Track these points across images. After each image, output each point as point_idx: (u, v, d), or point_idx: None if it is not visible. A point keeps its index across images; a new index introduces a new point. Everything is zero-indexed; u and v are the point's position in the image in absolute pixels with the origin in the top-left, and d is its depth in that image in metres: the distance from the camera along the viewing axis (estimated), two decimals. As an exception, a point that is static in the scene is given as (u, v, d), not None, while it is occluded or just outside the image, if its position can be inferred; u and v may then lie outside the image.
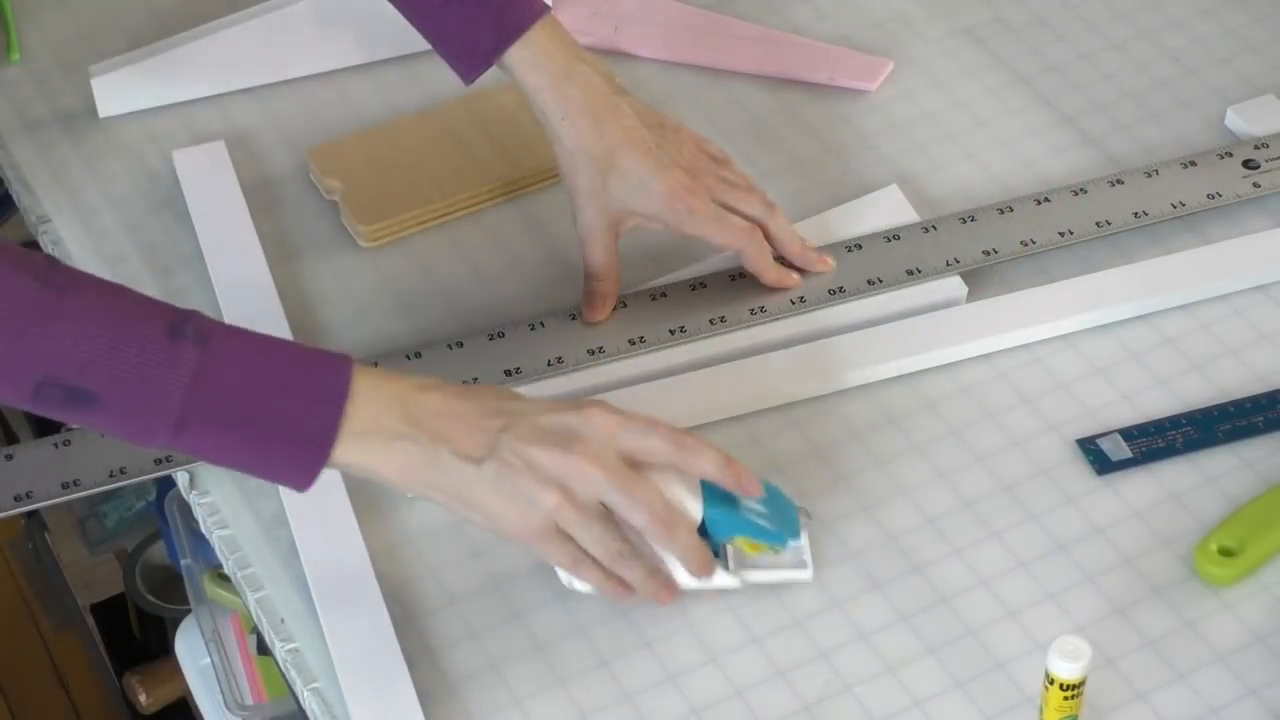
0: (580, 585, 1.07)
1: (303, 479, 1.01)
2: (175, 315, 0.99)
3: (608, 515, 1.04)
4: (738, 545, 1.08)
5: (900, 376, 1.22)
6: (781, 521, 1.08)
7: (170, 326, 0.99)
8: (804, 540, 1.10)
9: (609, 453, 1.04)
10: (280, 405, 1.00)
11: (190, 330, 0.99)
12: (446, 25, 1.23)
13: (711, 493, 1.06)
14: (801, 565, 1.09)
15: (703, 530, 1.06)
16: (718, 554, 1.07)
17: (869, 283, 1.25)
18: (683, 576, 1.06)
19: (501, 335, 1.23)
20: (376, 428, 1.02)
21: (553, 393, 1.20)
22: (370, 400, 1.02)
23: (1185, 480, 1.15)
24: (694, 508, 1.05)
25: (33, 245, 1.55)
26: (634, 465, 1.04)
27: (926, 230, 1.29)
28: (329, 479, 1.15)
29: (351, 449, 1.01)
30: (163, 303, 1.01)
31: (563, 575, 1.08)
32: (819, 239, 1.28)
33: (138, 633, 1.82)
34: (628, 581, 1.06)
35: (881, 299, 1.24)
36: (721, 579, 1.07)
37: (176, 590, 1.68)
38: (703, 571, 1.06)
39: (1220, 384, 1.21)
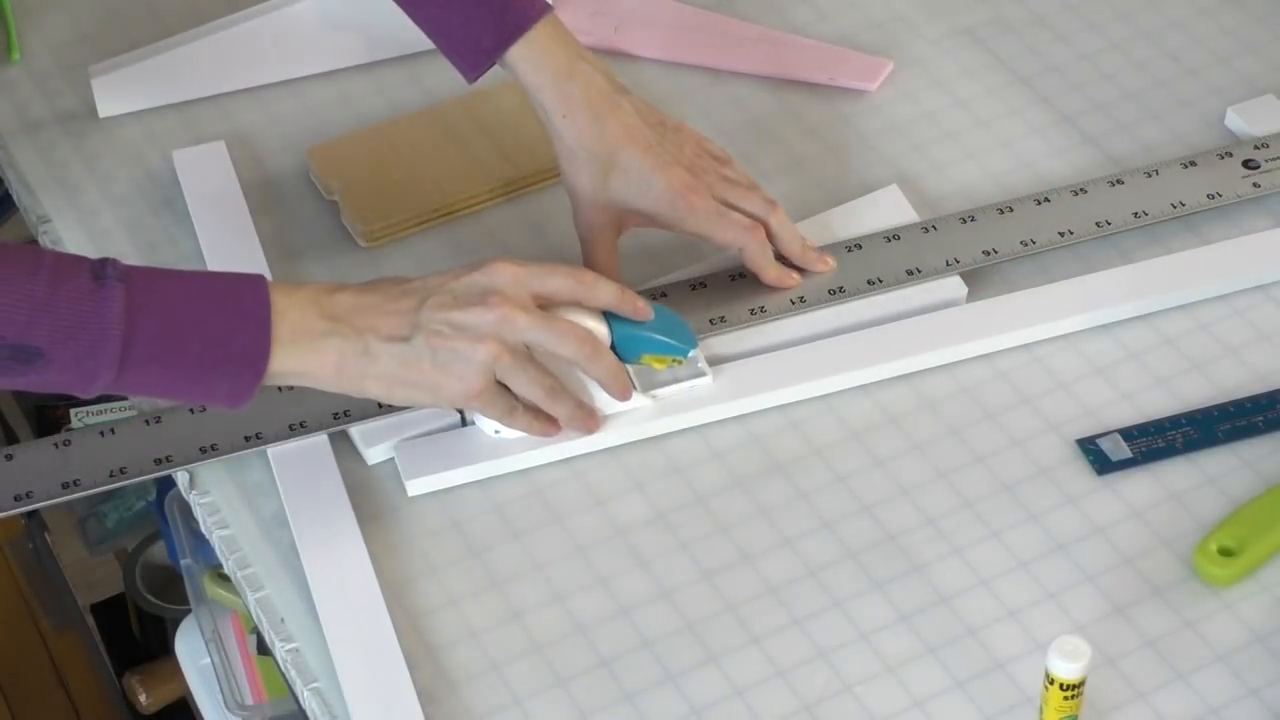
0: (507, 432, 1.15)
1: (242, 395, 1.06)
2: (93, 263, 1.03)
3: (534, 357, 1.12)
4: (645, 363, 1.16)
5: (900, 376, 1.22)
6: (679, 335, 1.17)
7: (93, 273, 1.02)
8: (698, 350, 1.18)
9: (524, 297, 1.11)
10: (211, 327, 1.05)
11: (111, 272, 1.03)
12: (449, 24, 1.23)
13: (613, 320, 1.15)
14: (700, 374, 1.19)
15: (614, 351, 1.15)
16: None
17: (869, 283, 1.25)
18: (602, 404, 1.16)
19: (501, 335, 1.23)
20: (303, 332, 1.07)
21: (553, 392, 1.20)
22: (290, 308, 1.07)
23: (1185, 480, 1.15)
24: (603, 334, 1.14)
25: (33, 245, 1.55)
26: (543, 307, 1.12)
27: (926, 230, 1.29)
28: (328, 479, 1.16)
29: (285, 356, 1.07)
30: (76, 255, 1.04)
31: (487, 426, 1.15)
32: (819, 239, 1.28)
33: (138, 633, 1.82)
34: (558, 418, 1.14)
35: (881, 299, 1.24)
36: (636, 400, 1.17)
37: (176, 590, 1.68)
38: (624, 392, 1.15)
39: (1220, 384, 1.21)
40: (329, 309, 1.09)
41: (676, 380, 1.19)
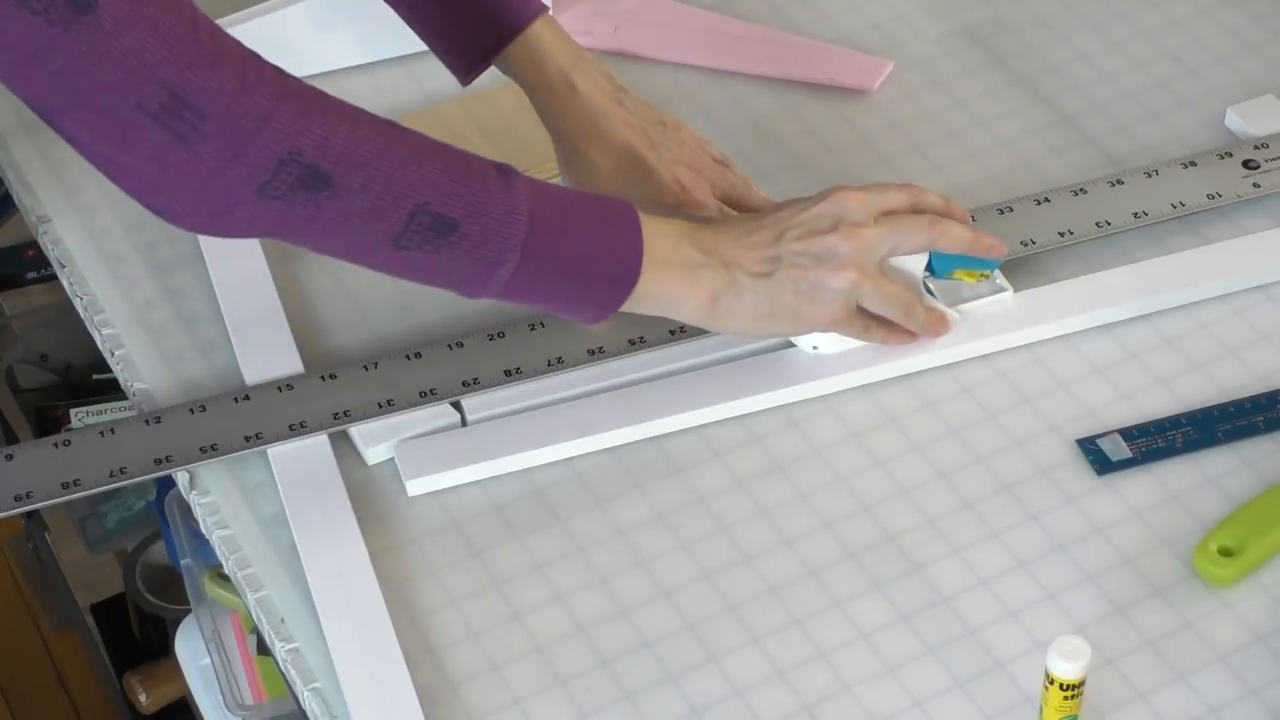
0: (825, 347, 1.20)
1: (611, 306, 1.10)
2: (492, 161, 1.07)
3: (887, 276, 1.16)
4: (957, 277, 1.21)
5: (900, 377, 1.22)
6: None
7: (496, 167, 1.07)
8: (999, 273, 1.23)
9: (869, 215, 1.15)
10: (593, 233, 1.09)
11: (509, 170, 1.07)
12: (445, 25, 1.23)
13: None
14: (1001, 289, 1.23)
15: (928, 269, 1.20)
16: (933, 294, 1.22)
17: (869, 283, 1.25)
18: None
19: (501, 335, 1.23)
20: (678, 259, 1.11)
21: (552, 394, 1.20)
22: (664, 233, 1.12)
23: (1185, 480, 1.15)
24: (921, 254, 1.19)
25: (33, 245, 1.55)
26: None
27: (926, 230, 1.29)
28: (328, 479, 1.16)
29: (658, 278, 1.10)
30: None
31: (805, 343, 1.21)
32: (819, 239, 1.28)
33: (138, 633, 1.82)
34: (914, 328, 1.19)
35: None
36: (947, 311, 1.22)
37: (176, 590, 1.68)
38: (994, 247, 1.20)
39: (1220, 384, 1.21)
40: (699, 241, 1.13)
41: (979, 296, 1.23)
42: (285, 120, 0.99)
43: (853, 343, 1.20)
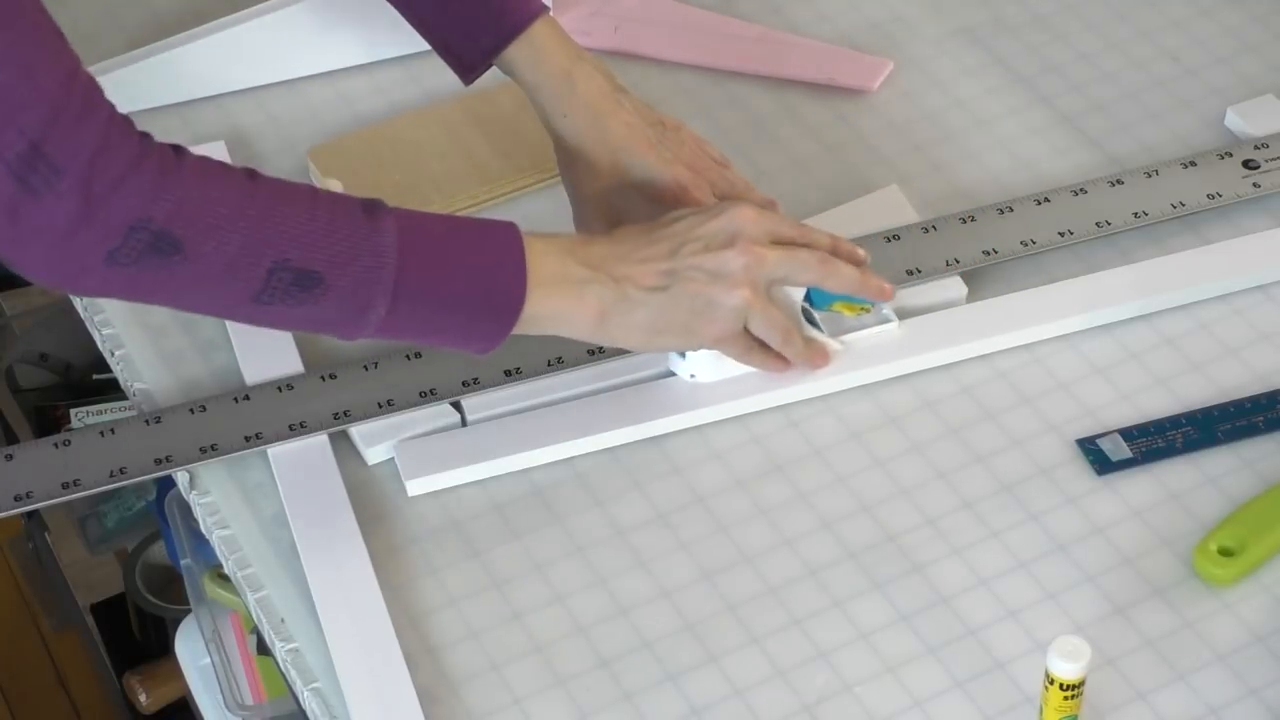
0: (703, 376, 1.19)
1: (498, 336, 1.08)
2: (361, 200, 1.05)
3: (773, 300, 1.15)
4: (836, 310, 1.20)
5: (900, 377, 1.22)
6: None
7: (363, 207, 1.04)
8: (884, 304, 1.22)
9: (765, 236, 1.14)
10: (472, 264, 1.07)
11: (378, 208, 1.04)
12: (446, 25, 1.23)
13: None
14: (885, 320, 1.22)
15: (807, 300, 1.20)
16: (814, 324, 1.21)
17: (869, 283, 1.25)
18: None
19: (501, 335, 1.23)
20: (562, 277, 1.10)
21: (552, 394, 1.20)
22: (547, 252, 1.09)
23: (1185, 480, 1.15)
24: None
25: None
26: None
27: (926, 230, 1.29)
28: (328, 479, 1.16)
29: (544, 299, 1.09)
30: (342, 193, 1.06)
31: (683, 369, 1.19)
32: (819, 239, 1.28)
33: (138, 633, 1.82)
34: (792, 355, 1.18)
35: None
36: (828, 342, 1.21)
37: (176, 590, 1.68)
38: (883, 291, 1.18)
39: (1220, 384, 1.21)
40: (585, 257, 1.11)
41: (864, 326, 1.22)
42: (139, 185, 0.97)
43: (729, 371, 1.19)
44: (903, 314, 1.23)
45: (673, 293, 1.12)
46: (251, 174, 1.02)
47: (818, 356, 1.19)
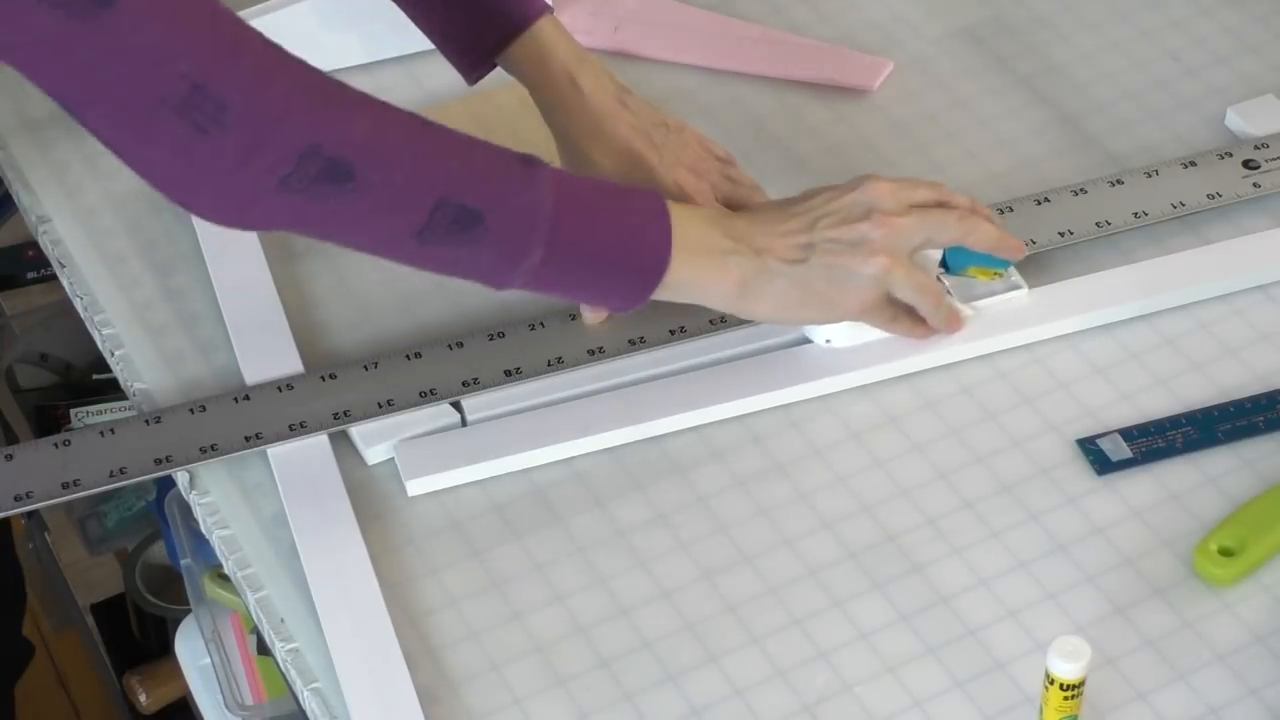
0: (839, 340, 1.20)
1: (641, 294, 1.10)
2: (515, 152, 1.06)
3: (919, 266, 1.17)
4: (970, 274, 1.22)
5: (900, 377, 1.22)
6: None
7: (518, 156, 1.06)
8: (1014, 270, 1.23)
9: (901, 206, 1.15)
10: (619, 221, 1.08)
11: (533, 160, 1.06)
12: (450, 23, 1.23)
13: None
14: (1015, 286, 1.23)
15: (942, 265, 1.21)
16: (948, 291, 1.22)
17: (869, 283, 1.25)
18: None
19: (501, 335, 1.23)
20: (706, 245, 1.11)
21: (552, 394, 1.20)
22: (692, 219, 1.11)
23: (1185, 480, 1.15)
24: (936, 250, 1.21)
25: (32, 245, 1.55)
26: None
27: (927, 230, 1.28)
28: (328, 479, 1.16)
29: (687, 265, 1.10)
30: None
31: (818, 335, 1.20)
32: (819, 239, 1.28)
33: (138, 633, 1.82)
34: (935, 321, 1.19)
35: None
36: (961, 308, 1.22)
37: (176, 590, 1.68)
38: (1016, 249, 1.20)
39: (1220, 384, 1.21)
40: (728, 228, 1.12)
41: (993, 293, 1.22)
42: (306, 112, 0.99)
43: (864, 337, 1.20)
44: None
45: (811, 264, 1.13)
46: (413, 113, 1.04)
47: (955, 321, 1.20)
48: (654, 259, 1.09)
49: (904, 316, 1.19)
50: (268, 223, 1.03)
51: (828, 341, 1.21)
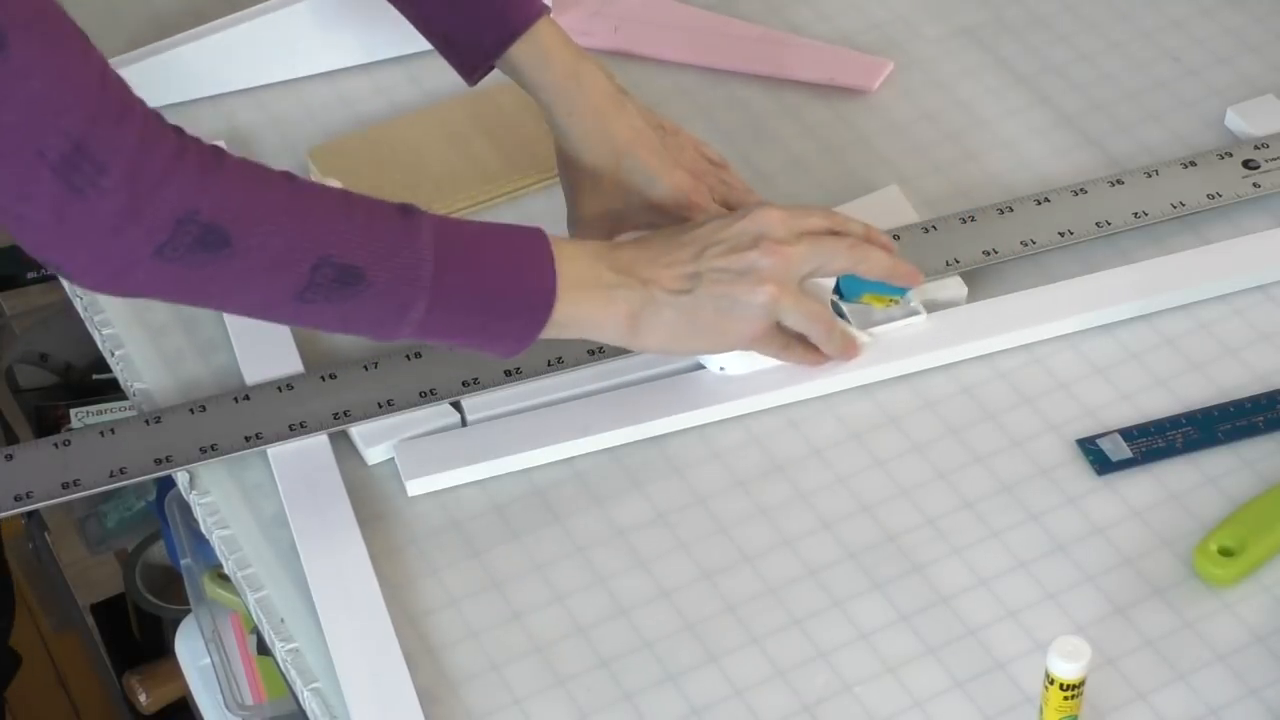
0: (732, 368, 1.19)
1: (528, 337, 1.09)
2: (392, 203, 1.05)
3: (808, 294, 1.15)
4: (865, 302, 1.20)
5: (900, 377, 1.22)
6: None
7: (397, 208, 1.05)
8: (912, 294, 1.21)
9: (791, 234, 1.14)
10: (502, 265, 1.07)
11: (411, 210, 1.05)
12: (449, 24, 1.23)
13: None
14: (914, 313, 1.22)
15: (836, 292, 1.20)
16: (843, 317, 1.21)
17: (869, 283, 1.25)
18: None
19: (501, 335, 1.23)
20: (592, 281, 1.10)
21: (552, 394, 1.20)
22: (576, 256, 1.10)
23: (1185, 480, 1.15)
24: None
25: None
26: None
27: (926, 230, 1.29)
28: (328, 479, 1.16)
29: (574, 302, 1.09)
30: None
31: (712, 363, 1.19)
32: (819, 239, 1.28)
33: (138, 633, 1.82)
34: (828, 348, 1.18)
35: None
36: (858, 334, 1.21)
37: (176, 590, 1.68)
38: (912, 277, 1.19)
39: (1220, 384, 1.21)
40: (613, 262, 1.11)
41: (892, 319, 1.22)
42: (184, 178, 0.97)
43: (759, 365, 1.19)
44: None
45: (698, 295, 1.12)
46: (288, 174, 1.03)
47: (850, 347, 1.20)
48: (539, 299, 1.08)
49: (795, 344, 1.17)
50: (144, 290, 1.01)
51: (721, 369, 1.20)
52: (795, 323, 1.15)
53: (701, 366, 1.21)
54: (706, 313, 1.12)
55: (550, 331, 1.09)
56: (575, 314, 1.09)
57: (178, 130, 0.99)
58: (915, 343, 1.21)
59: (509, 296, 1.07)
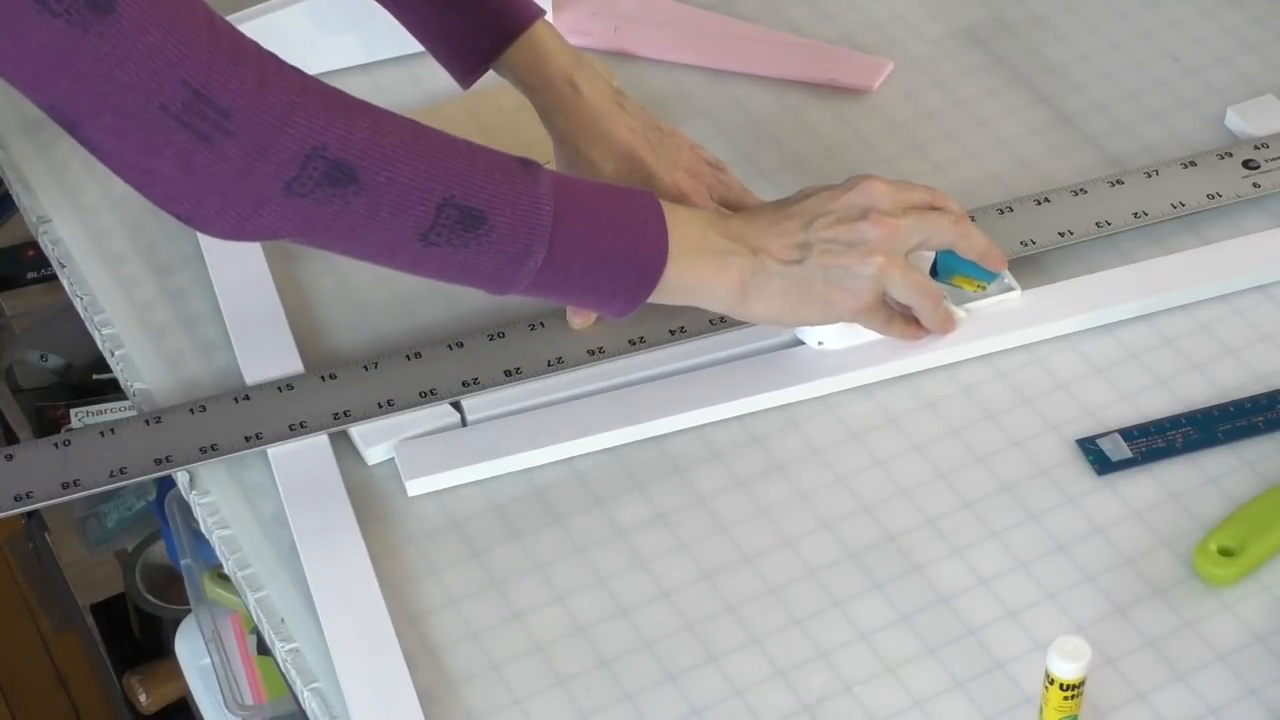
0: (831, 344, 1.20)
1: (639, 296, 1.09)
2: (512, 155, 1.07)
3: (916, 267, 1.16)
4: (955, 284, 1.20)
5: (900, 377, 1.22)
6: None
7: (518, 160, 1.06)
8: (1006, 274, 1.22)
9: (898, 207, 1.15)
10: (617, 222, 1.08)
11: (530, 163, 1.06)
12: (444, 28, 1.23)
13: None
14: (1010, 288, 1.22)
15: (931, 273, 1.20)
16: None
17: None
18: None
19: (501, 335, 1.23)
20: (705, 246, 1.11)
21: (552, 394, 1.20)
22: (690, 220, 1.11)
23: (1185, 480, 1.15)
24: (927, 255, 1.20)
25: (32, 245, 1.55)
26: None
27: (926, 230, 1.28)
28: (328, 479, 1.16)
29: (686, 266, 1.10)
30: None
31: (810, 337, 1.20)
32: (819, 239, 1.28)
33: (138, 633, 1.82)
34: (930, 322, 1.19)
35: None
36: (956, 310, 1.21)
37: (176, 590, 1.68)
38: (999, 261, 1.20)
39: (1220, 384, 1.21)
40: (725, 229, 1.12)
41: (984, 296, 1.22)
42: (308, 116, 0.99)
43: (856, 340, 1.20)
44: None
45: (808, 265, 1.13)
46: (411, 119, 1.04)
47: (949, 323, 1.20)
48: (652, 259, 1.09)
49: (899, 318, 1.19)
50: (273, 230, 1.02)
51: (820, 344, 1.20)
52: (903, 295, 1.16)
53: (800, 343, 1.21)
54: (817, 283, 1.13)
55: (661, 295, 1.10)
56: (686, 279, 1.10)
57: (295, 68, 1.00)
58: (916, 342, 1.21)
59: (624, 254, 1.08)
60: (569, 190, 1.07)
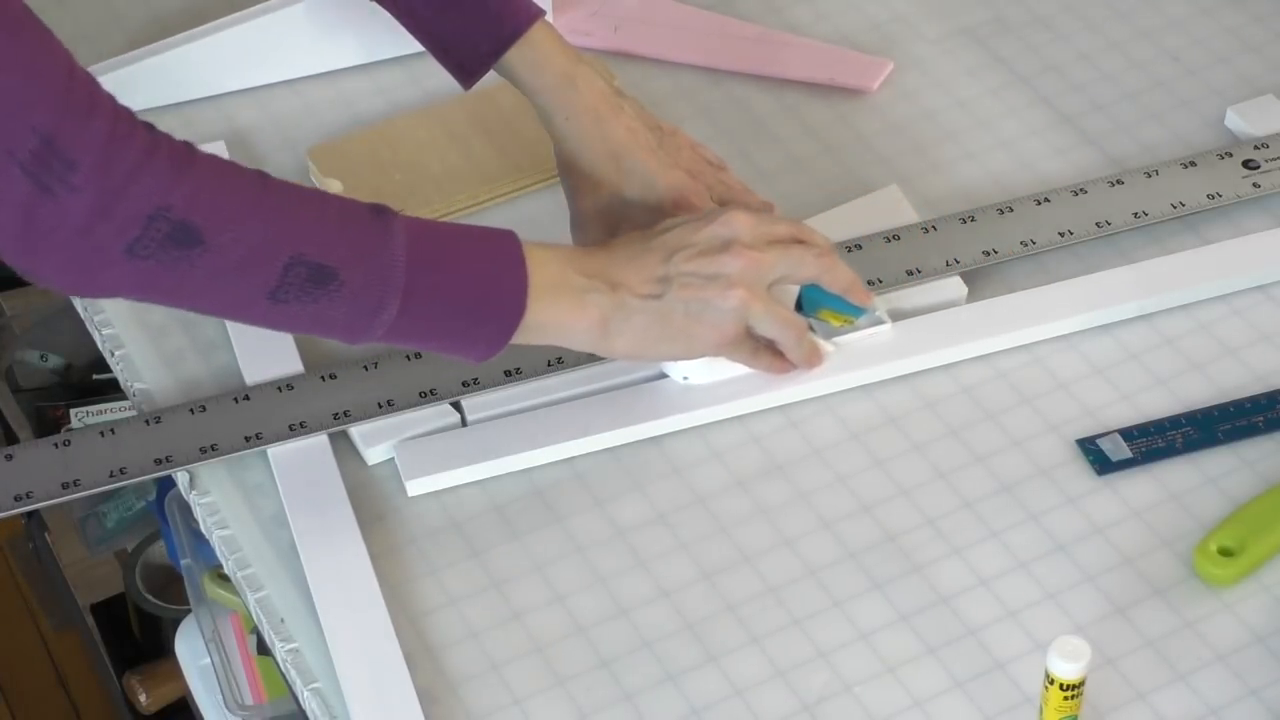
0: (697, 378, 1.18)
1: (499, 342, 1.07)
2: (364, 203, 1.04)
3: (778, 300, 1.15)
4: (822, 318, 1.19)
5: (900, 377, 1.22)
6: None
7: (369, 209, 1.04)
8: (876, 305, 1.21)
9: (761, 240, 1.13)
10: (475, 269, 1.06)
11: (384, 211, 1.04)
12: (444, 30, 1.23)
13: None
14: (879, 322, 1.21)
15: (796, 307, 1.18)
16: (810, 328, 1.19)
17: (869, 283, 1.25)
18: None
19: (501, 335, 1.23)
20: (564, 286, 1.09)
21: (552, 394, 1.20)
22: (548, 260, 1.09)
23: (1185, 480, 1.15)
24: (792, 290, 1.18)
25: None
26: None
27: (926, 230, 1.29)
28: (328, 479, 1.16)
29: (545, 307, 1.08)
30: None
31: (675, 372, 1.18)
32: (819, 239, 1.28)
33: (138, 633, 1.82)
34: (795, 356, 1.17)
35: (881, 299, 1.24)
36: (823, 344, 1.20)
37: (176, 590, 1.68)
38: (866, 297, 1.19)
39: (1220, 384, 1.21)
40: (583, 266, 1.10)
41: (855, 329, 1.21)
42: (155, 175, 0.96)
43: (723, 374, 1.19)
44: (901, 315, 1.23)
45: (667, 299, 1.11)
46: (260, 172, 1.02)
47: (815, 357, 1.19)
48: (511, 304, 1.06)
49: (765, 352, 1.17)
50: (117, 289, 1.00)
51: (685, 379, 1.19)
52: (766, 328, 1.15)
53: (665, 376, 1.20)
54: (677, 317, 1.11)
55: (522, 336, 1.08)
56: (546, 319, 1.08)
57: (148, 126, 0.98)
58: (915, 343, 1.21)
59: (482, 300, 1.06)
60: (424, 239, 1.04)
